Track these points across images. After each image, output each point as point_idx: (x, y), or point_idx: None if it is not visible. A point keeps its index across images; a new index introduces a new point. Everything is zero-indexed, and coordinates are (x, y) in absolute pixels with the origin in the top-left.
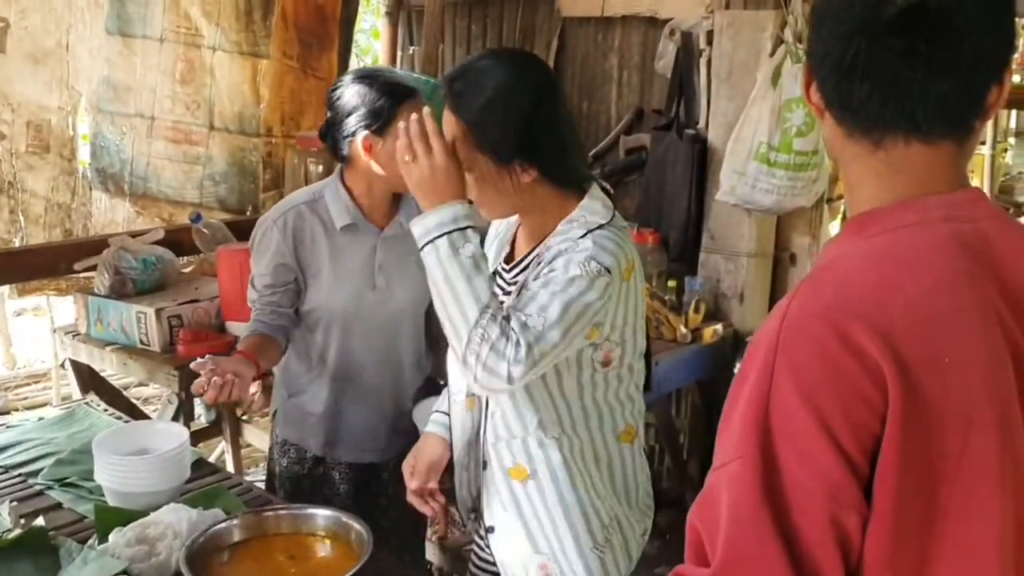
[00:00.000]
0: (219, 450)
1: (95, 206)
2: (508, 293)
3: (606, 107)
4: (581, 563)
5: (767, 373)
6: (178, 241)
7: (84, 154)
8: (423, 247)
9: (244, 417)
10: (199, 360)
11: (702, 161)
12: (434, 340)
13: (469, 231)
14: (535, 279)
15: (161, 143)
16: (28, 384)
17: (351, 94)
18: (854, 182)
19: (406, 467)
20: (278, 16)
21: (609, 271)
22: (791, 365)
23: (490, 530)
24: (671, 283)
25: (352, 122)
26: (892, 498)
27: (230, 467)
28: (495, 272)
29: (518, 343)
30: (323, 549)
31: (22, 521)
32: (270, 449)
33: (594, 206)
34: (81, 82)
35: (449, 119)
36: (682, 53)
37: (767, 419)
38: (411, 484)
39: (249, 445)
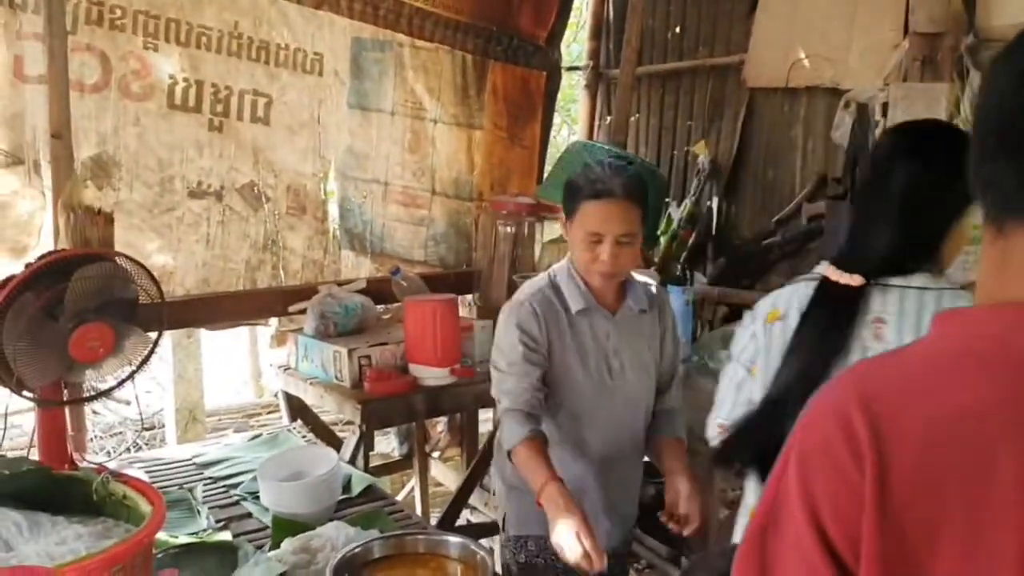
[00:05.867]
0: (409, 486)
1: (343, 263)
2: None
3: (790, 175)
4: None
5: (786, 456)
6: (380, 291)
7: (333, 216)
8: None
9: (433, 454)
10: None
11: None
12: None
13: None
14: None
15: (393, 206)
16: (269, 412)
17: (577, 175)
18: (979, 271)
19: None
20: (489, 91)
21: None
22: (799, 451)
23: None
24: None
25: (564, 200)
26: None
27: (418, 504)
28: None
29: None
30: (453, 569)
31: (218, 525)
32: (502, 547)
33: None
34: (330, 151)
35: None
36: (857, 124)
37: (777, 495)
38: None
39: (440, 484)
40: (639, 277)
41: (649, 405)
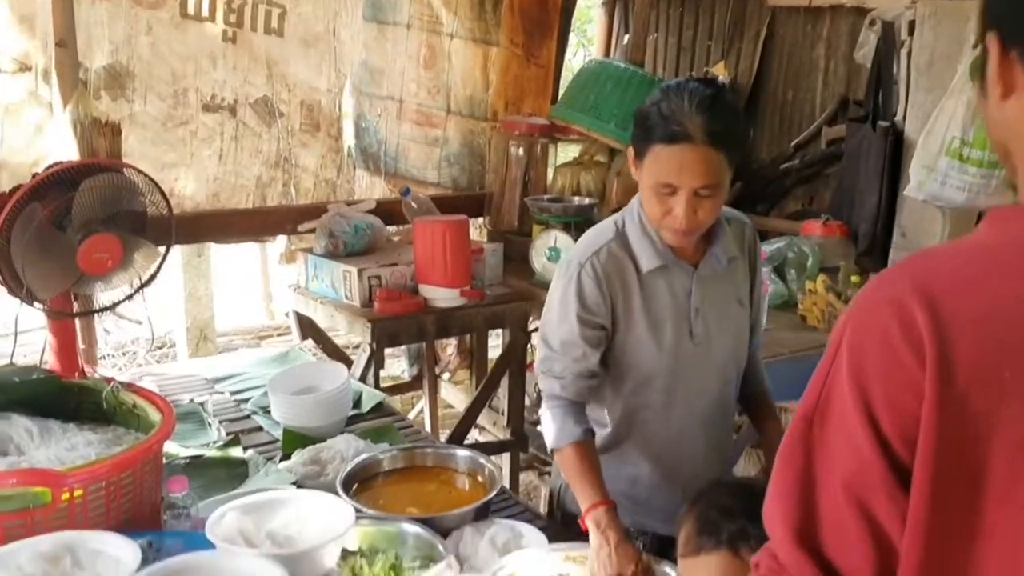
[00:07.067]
0: (419, 407)
1: (357, 183)
2: None
3: (811, 97)
4: None
5: (835, 348)
6: (390, 212)
7: (347, 134)
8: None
9: (443, 376)
10: None
11: (895, 154)
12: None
13: None
14: None
15: (408, 125)
16: (280, 334)
17: (651, 102)
18: None
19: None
20: (506, 5)
21: None
22: (850, 344)
23: None
24: (854, 278)
25: (633, 131)
26: (925, 499)
27: (427, 424)
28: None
29: None
30: (461, 482)
31: (229, 438)
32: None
33: None
34: (344, 65)
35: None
36: (882, 43)
37: (824, 387)
38: None
39: (450, 406)
40: (729, 212)
41: (741, 368)
